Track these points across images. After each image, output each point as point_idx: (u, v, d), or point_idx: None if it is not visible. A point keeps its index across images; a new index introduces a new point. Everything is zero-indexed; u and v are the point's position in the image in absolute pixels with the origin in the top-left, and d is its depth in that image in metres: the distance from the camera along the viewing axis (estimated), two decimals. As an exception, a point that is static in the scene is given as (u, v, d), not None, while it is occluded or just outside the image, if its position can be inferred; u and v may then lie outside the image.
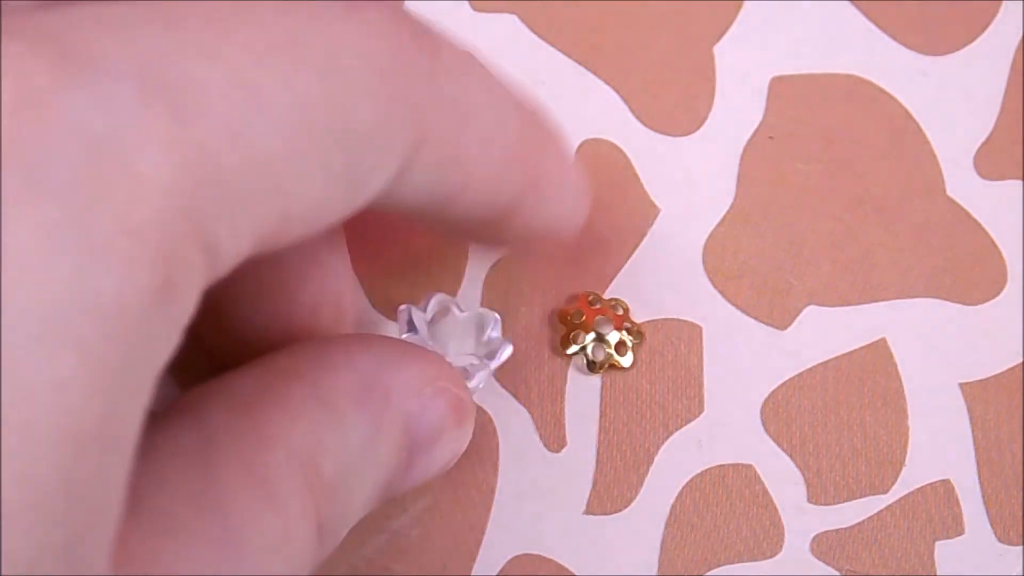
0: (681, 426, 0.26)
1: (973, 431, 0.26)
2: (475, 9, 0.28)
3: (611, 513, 0.26)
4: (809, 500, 0.26)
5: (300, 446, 0.13)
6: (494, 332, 0.22)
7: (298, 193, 0.12)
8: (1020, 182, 0.27)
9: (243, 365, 0.14)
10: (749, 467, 0.26)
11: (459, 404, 0.16)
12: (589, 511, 0.26)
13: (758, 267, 0.27)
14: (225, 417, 0.13)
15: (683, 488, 0.26)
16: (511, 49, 0.28)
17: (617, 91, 0.28)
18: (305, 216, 0.12)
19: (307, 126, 0.11)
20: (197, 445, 0.12)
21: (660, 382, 0.26)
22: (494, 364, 0.22)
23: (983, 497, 0.26)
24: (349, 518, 0.14)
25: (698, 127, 0.27)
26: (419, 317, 0.22)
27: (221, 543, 0.12)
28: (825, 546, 0.26)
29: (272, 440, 0.13)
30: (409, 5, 0.28)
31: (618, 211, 0.27)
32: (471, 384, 0.21)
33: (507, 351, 0.22)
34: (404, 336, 0.21)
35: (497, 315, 0.22)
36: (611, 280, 0.27)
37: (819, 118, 0.28)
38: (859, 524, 0.26)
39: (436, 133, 0.13)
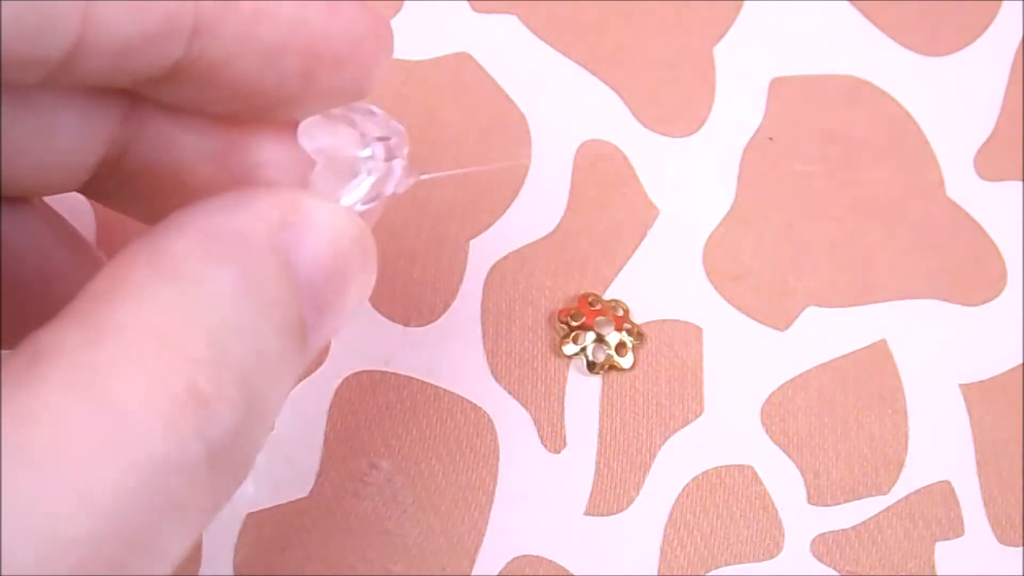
0: (681, 427, 0.26)
1: (973, 432, 0.26)
2: (475, 10, 0.28)
3: (611, 514, 0.26)
4: (809, 501, 0.26)
5: (150, 331, 0.12)
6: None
7: None
8: (1020, 183, 0.27)
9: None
10: (749, 468, 0.26)
11: (344, 216, 0.15)
12: (589, 512, 0.26)
13: (758, 268, 0.27)
14: (51, 338, 0.12)
15: (683, 489, 0.26)
16: (511, 49, 0.28)
17: (617, 91, 0.28)
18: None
19: None
20: (15, 378, 0.11)
21: (660, 383, 0.26)
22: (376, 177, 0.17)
23: (983, 498, 0.26)
24: (256, 375, 0.13)
25: (698, 128, 0.27)
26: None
27: (27, 472, 0.10)
28: (825, 547, 0.26)
29: (105, 340, 0.12)
30: (410, 6, 0.28)
31: (618, 211, 0.27)
32: (358, 187, 0.17)
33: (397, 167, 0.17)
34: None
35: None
36: (611, 280, 0.27)
37: (819, 119, 0.27)
38: (859, 525, 0.26)
39: None
